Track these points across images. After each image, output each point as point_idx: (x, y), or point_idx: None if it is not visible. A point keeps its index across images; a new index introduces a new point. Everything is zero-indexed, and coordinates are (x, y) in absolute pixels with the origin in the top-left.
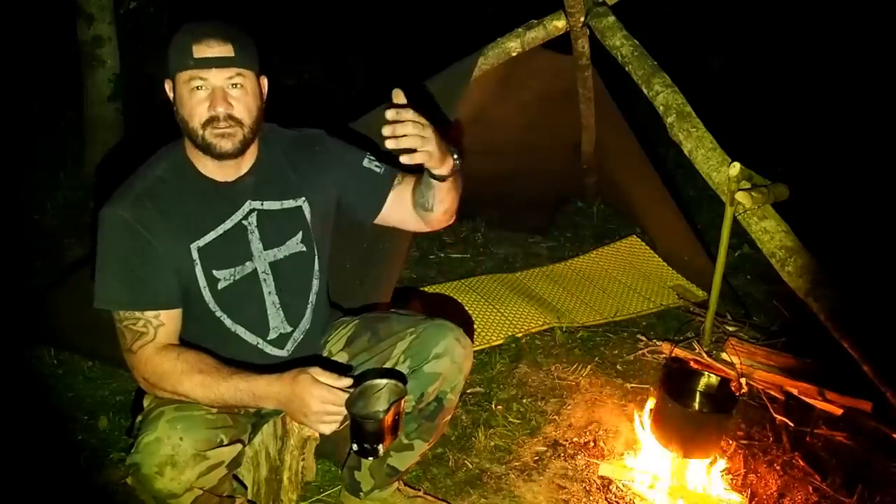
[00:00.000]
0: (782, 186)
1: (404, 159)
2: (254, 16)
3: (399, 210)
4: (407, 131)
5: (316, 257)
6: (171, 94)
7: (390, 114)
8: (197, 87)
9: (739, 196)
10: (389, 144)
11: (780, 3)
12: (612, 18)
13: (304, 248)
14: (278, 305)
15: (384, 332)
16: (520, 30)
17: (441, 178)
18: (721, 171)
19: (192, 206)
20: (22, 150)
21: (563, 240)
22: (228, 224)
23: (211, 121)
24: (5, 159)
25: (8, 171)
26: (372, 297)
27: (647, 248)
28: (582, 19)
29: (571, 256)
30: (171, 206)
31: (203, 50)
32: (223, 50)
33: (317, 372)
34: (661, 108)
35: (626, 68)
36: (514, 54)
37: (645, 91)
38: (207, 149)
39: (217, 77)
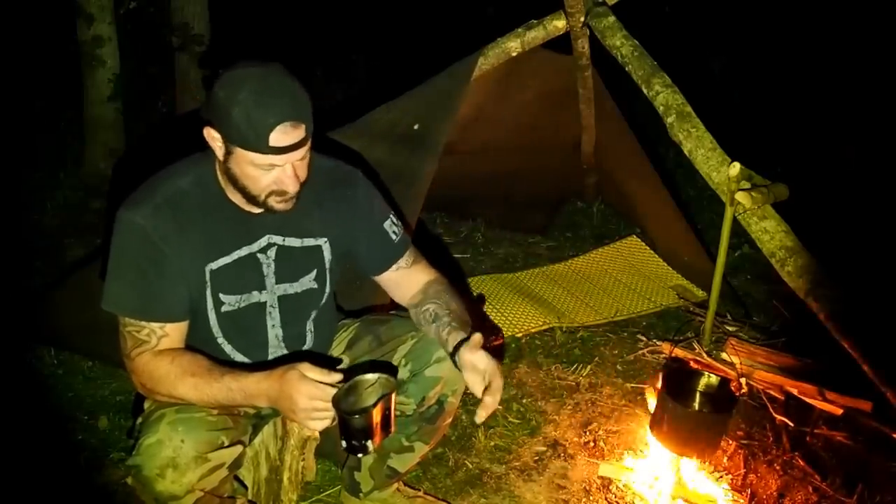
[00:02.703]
0: (782, 186)
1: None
2: (254, 16)
3: (393, 288)
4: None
5: (325, 294)
6: (219, 146)
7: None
8: (267, 169)
9: (739, 196)
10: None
11: (780, 4)
12: (612, 18)
13: (316, 286)
14: (281, 338)
15: (385, 336)
16: (520, 30)
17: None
18: (721, 171)
19: (211, 227)
20: (22, 150)
21: (563, 240)
22: (243, 252)
23: (277, 192)
24: (5, 159)
25: (8, 171)
26: (371, 299)
27: (647, 248)
28: (582, 19)
29: (571, 256)
30: (190, 222)
31: (281, 139)
32: (299, 134)
33: (306, 368)
34: (661, 108)
35: (626, 68)
36: (514, 54)
37: (645, 91)
38: (266, 209)
39: (290, 159)
